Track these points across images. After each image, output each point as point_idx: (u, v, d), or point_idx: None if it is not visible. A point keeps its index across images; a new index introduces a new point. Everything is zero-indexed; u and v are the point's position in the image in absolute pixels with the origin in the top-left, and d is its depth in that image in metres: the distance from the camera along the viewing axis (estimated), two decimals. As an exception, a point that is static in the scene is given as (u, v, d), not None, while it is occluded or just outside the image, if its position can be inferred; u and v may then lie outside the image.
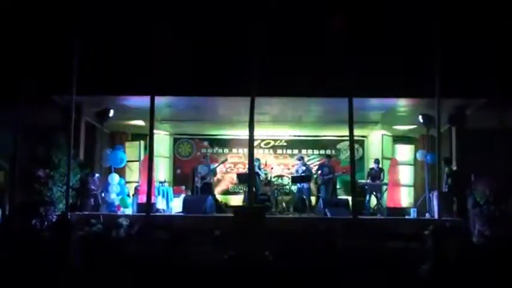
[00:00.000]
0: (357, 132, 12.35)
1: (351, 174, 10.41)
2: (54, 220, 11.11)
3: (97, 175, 13.47)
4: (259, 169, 14.35)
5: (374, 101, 12.62)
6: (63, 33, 10.59)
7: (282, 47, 11.43)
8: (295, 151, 16.65)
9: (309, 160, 16.13)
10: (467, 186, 11.89)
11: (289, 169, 16.47)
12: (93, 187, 13.09)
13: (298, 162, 15.07)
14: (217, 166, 14.83)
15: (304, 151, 16.55)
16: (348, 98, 10.03)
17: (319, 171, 14.66)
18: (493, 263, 8.71)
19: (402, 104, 13.02)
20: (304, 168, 14.71)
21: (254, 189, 11.42)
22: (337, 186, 15.11)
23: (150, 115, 10.34)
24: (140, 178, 13.89)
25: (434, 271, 8.51)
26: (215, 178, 15.20)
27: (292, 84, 11.54)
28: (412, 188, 15.63)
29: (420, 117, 13.16)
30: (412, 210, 13.17)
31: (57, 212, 11.48)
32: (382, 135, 15.94)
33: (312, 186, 15.02)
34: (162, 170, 15.99)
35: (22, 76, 10.89)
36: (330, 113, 13.52)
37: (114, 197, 13.52)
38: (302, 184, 14.35)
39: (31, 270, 8.57)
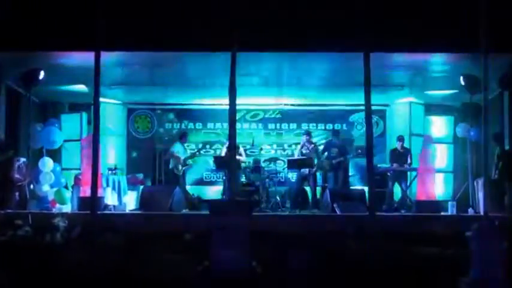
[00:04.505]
0: (376, 99, 12.39)
1: (367, 156, 10.46)
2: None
3: (23, 160, 13.45)
4: (245, 150, 14.44)
5: (399, 57, 12.66)
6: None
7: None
8: (293, 125, 16.73)
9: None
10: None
11: (284, 150, 16.53)
12: (17, 176, 13.08)
13: (303, 138, 15.08)
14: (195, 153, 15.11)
15: (305, 125, 16.60)
16: (364, 53, 10.04)
17: (326, 153, 14.71)
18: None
19: (437, 61, 13.07)
20: (311, 147, 14.71)
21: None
22: (350, 173, 15.19)
23: (95, 78, 10.32)
24: (82, 164, 13.87)
25: (480, 284, 8.60)
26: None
27: (288, 34, 11.51)
28: (450, 175, 15.76)
29: (461, 79, 13.20)
30: (449, 204, 13.30)
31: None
32: (411, 103, 16.05)
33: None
34: (113, 153, 16.06)
35: None
36: (340, 73, 13.55)
37: (47, 189, 13.58)
38: (302, 170, 14.42)
39: None
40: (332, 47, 11.70)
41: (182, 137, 15.42)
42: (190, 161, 15.21)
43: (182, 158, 14.62)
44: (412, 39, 11.58)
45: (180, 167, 14.57)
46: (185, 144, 15.23)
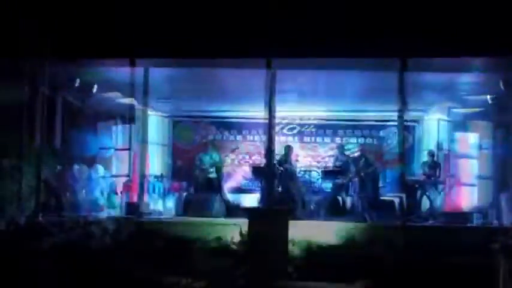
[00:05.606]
0: (405, 115, 12.37)
1: (399, 166, 10.39)
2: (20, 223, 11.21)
3: (77, 167, 13.88)
4: (286, 160, 14.51)
5: (430, 76, 12.57)
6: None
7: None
8: (328, 138, 16.94)
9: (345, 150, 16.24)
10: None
11: (318, 161, 16.68)
12: (71, 182, 13.45)
13: (336, 150, 15.26)
14: (227, 155, 15.09)
15: (338, 139, 16.82)
16: (400, 58, 9.87)
17: (357, 164, 14.77)
18: None
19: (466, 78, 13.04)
20: (344, 159, 14.92)
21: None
22: (380, 184, 15.20)
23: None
24: (131, 171, 14.11)
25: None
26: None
27: (324, 46, 11.41)
28: (476, 188, 15.66)
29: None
30: (475, 215, 13.33)
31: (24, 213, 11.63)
32: (439, 119, 16.05)
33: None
34: (159, 162, 16.32)
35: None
36: (374, 86, 13.34)
37: (98, 194, 13.94)
38: (335, 180, 14.60)
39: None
40: (369, 52, 11.33)
41: (214, 144, 15.54)
42: (224, 167, 15.28)
43: (217, 164, 14.69)
44: (447, 46, 11.21)
45: (216, 174, 14.64)
46: (219, 152, 15.35)
